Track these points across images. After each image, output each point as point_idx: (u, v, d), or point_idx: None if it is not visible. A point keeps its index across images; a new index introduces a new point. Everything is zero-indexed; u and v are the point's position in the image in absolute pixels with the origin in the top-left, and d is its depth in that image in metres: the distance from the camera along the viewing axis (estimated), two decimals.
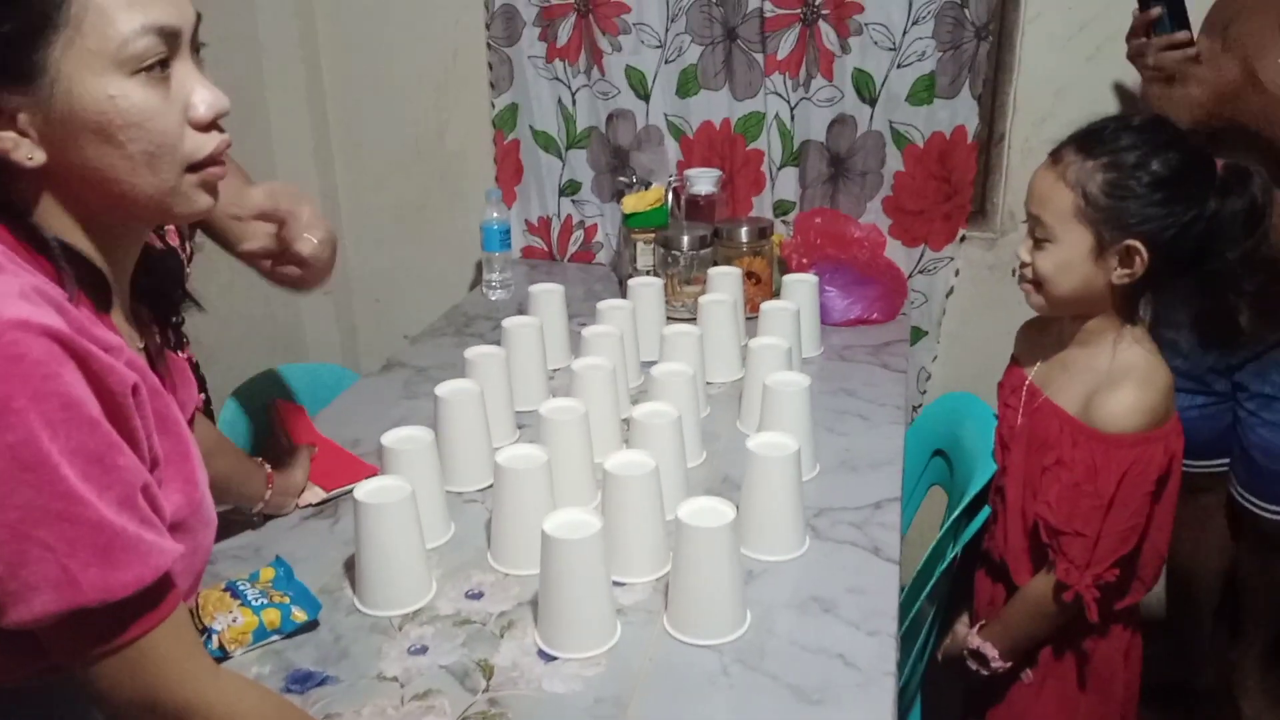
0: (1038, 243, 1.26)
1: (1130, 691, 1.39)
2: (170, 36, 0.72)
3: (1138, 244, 1.19)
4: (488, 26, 2.20)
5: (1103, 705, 1.37)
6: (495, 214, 2.10)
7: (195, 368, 1.53)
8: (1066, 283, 1.24)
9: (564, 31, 2.14)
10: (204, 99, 0.74)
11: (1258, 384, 1.68)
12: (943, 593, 1.45)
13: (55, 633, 0.71)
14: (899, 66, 1.99)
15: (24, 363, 0.65)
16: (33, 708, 0.80)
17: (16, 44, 0.67)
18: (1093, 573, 1.23)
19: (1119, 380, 1.24)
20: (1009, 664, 1.35)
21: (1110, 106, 1.99)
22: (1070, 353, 1.31)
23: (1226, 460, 1.78)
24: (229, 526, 1.29)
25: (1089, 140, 1.23)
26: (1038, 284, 1.27)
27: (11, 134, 0.70)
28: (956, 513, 1.41)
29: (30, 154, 0.70)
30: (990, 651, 1.34)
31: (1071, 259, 1.23)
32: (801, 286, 1.81)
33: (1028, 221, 1.29)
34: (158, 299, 0.88)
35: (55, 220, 0.74)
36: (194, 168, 0.75)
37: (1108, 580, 1.24)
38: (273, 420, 1.45)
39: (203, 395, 1.53)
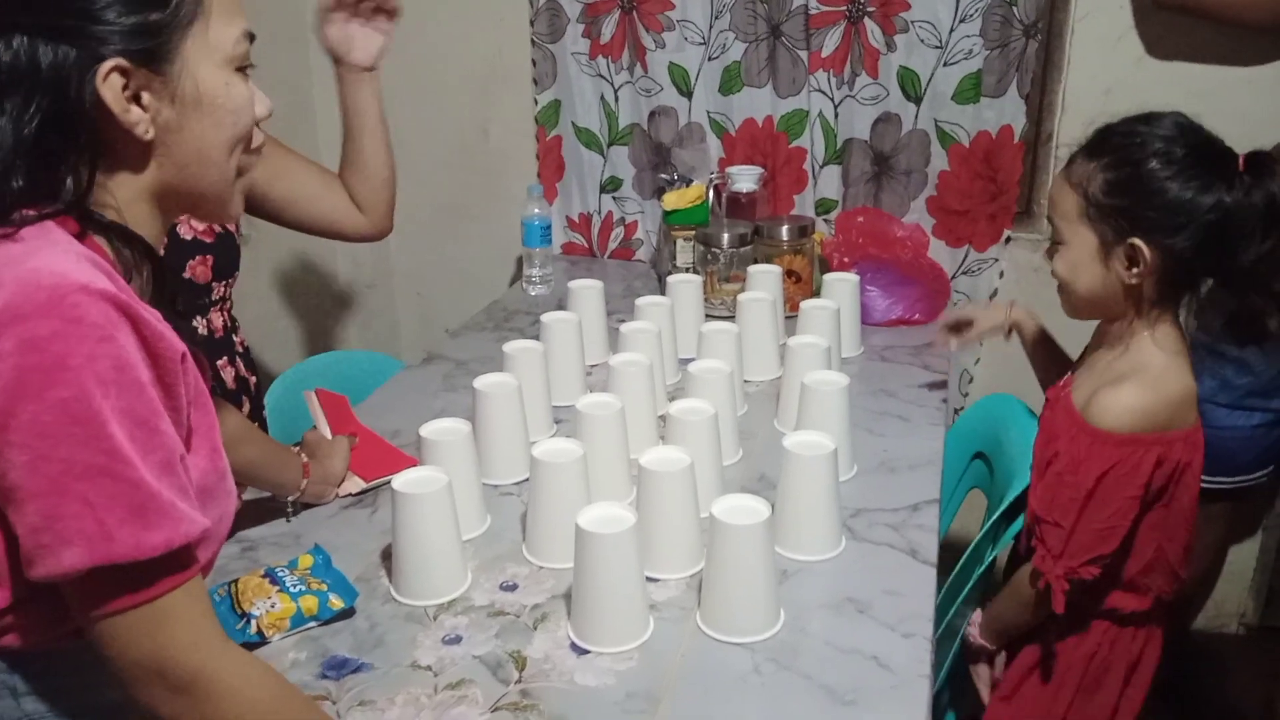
0: (1054, 245, 1.28)
1: (1130, 701, 1.36)
2: (251, 43, 0.84)
3: (1139, 243, 1.19)
4: (532, 23, 2.21)
5: (1090, 707, 1.34)
6: (537, 210, 2.10)
7: (246, 353, 1.56)
8: (1079, 284, 1.26)
9: (608, 28, 2.14)
10: (262, 100, 0.86)
11: None
12: (980, 596, 1.43)
13: (78, 584, 0.73)
14: (945, 65, 1.97)
15: (83, 324, 0.69)
16: (65, 674, 0.82)
17: (165, 32, 0.76)
18: (1065, 565, 1.23)
19: (1122, 379, 1.23)
20: (990, 645, 1.37)
21: (1159, 107, 1.95)
22: (1098, 354, 1.32)
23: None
24: (266, 514, 1.31)
25: (1096, 141, 1.24)
26: (1059, 287, 1.29)
27: (137, 110, 0.76)
28: (996, 515, 1.39)
29: (147, 130, 0.77)
30: (971, 627, 1.37)
31: (1079, 260, 1.24)
32: (842, 286, 1.80)
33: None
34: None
35: (126, 193, 0.79)
36: (240, 170, 0.84)
37: (1081, 576, 1.23)
38: (313, 408, 1.47)
39: (254, 378, 1.56)
